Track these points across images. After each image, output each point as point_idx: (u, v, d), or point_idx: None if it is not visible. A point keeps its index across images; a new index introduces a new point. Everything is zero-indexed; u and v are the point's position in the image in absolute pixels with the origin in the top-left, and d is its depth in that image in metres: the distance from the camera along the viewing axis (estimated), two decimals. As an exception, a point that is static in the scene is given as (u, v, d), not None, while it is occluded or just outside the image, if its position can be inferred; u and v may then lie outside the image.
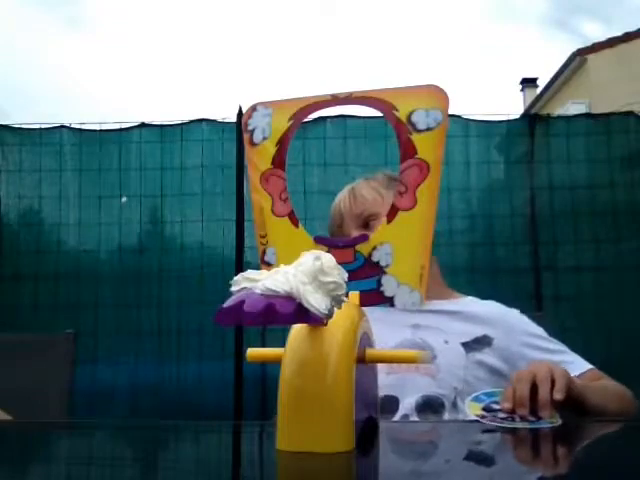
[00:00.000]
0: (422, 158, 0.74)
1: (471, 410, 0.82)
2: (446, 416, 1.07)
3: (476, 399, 0.87)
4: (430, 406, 1.09)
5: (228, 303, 0.57)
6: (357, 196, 1.28)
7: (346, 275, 0.60)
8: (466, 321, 1.23)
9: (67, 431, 0.97)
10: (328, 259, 0.59)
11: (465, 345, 1.18)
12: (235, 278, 0.60)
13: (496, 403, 0.84)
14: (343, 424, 0.61)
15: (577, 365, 1.17)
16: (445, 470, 0.62)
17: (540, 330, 1.27)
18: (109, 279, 3.16)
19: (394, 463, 0.64)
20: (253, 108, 0.83)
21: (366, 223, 1.25)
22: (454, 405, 1.09)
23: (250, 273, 0.60)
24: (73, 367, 1.48)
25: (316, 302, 0.56)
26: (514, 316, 1.28)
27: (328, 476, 0.58)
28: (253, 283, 0.58)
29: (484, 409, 0.82)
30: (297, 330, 0.65)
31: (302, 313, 0.56)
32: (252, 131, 0.83)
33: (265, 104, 0.83)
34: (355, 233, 1.20)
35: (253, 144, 0.82)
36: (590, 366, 1.19)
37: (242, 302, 0.56)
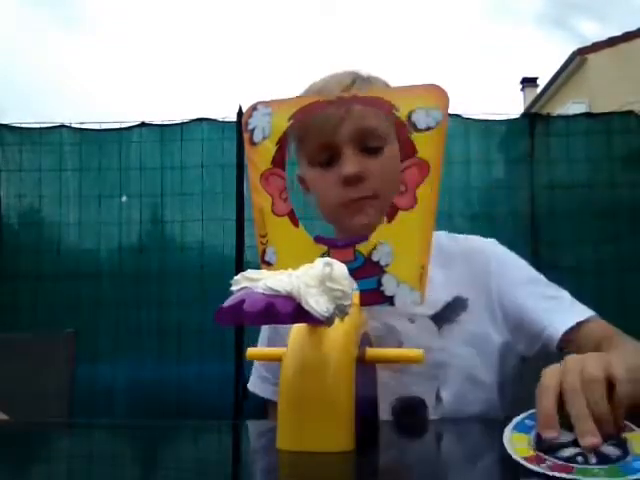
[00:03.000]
0: (422, 157, 0.74)
1: (515, 448, 0.54)
2: (432, 414, 0.91)
3: (520, 427, 0.58)
4: (409, 409, 0.92)
5: (228, 302, 0.57)
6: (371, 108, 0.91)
7: (355, 285, 0.60)
8: (432, 285, 0.89)
9: (67, 431, 0.97)
10: (339, 267, 0.59)
11: (435, 318, 0.95)
12: (235, 277, 0.60)
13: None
14: (343, 424, 0.61)
15: (575, 312, 0.93)
16: (446, 469, 0.62)
17: (530, 270, 1.05)
18: (109, 279, 3.16)
19: (394, 463, 0.64)
20: (253, 107, 0.83)
21: (370, 148, 0.93)
22: (438, 398, 0.92)
23: (250, 273, 0.60)
24: (73, 367, 1.48)
25: (316, 304, 0.56)
26: (493, 256, 1.02)
27: (328, 476, 0.58)
28: (253, 282, 0.58)
29: (537, 446, 0.54)
30: (298, 330, 0.66)
31: (302, 313, 0.56)
32: (252, 130, 0.83)
33: (265, 103, 0.83)
34: (350, 151, 0.91)
35: (253, 143, 0.82)
36: (592, 313, 0.94)
37: (242, 301, 0.56)
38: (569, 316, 0.92)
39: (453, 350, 0.93)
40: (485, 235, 1.09)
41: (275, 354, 0.67)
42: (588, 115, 3.46)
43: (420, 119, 0.75)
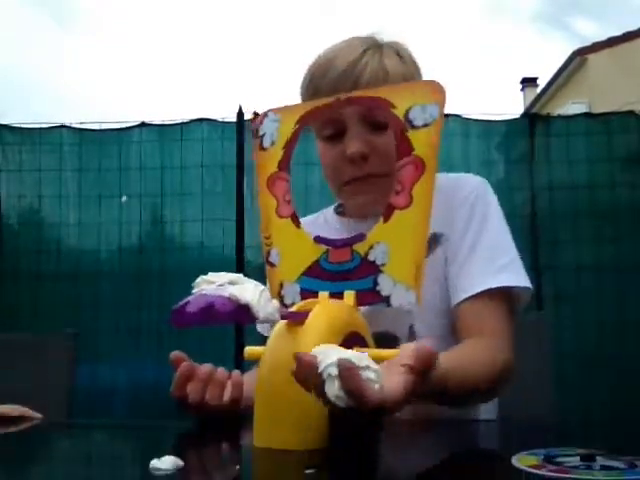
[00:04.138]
0: (418, 155, 0.74)
1: (520, 459, 0.54)
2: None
3: (532, 452, 0.58)
4: (382, 345, 0.89)
5: (177, 305, 0.61)
6: (380, 81, 0.90)
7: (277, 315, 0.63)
8: None
9: (67, 431, 0.97)
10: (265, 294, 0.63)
11: None
12: (197, 280, 0.63)
13: (563, 456, 0.55)
14: (316, 422, 0.62)
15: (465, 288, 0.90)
16: (418, 467, 0.62)
17: (492, 225, 0.97)
18: (109, 279, 3.16)
19: (369, 461, 0.64)
20: (265, 114, 0.86)
21: (376, 124, 0.91)
22: (411, 332, 0.92)
23: (210, 276, 0.63)
24: (73, 367, 1.48)
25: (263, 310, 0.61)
26: (469, 197, 0.97)
27: (293, 473, 0.58)
28: (210, 285, 0.61)
29: (545, 459, 0.55)
30: (277, 329, 0.67)
31: (241, 313, 0.59)
32: (262, 136, 0.85)
33: (275, 110, 0.85)
34: (355, 128, 0.91)
35: (263, 149, 0.84)
36: (487, 287, 0.89)
37: (187, 303, 0.60)
38: (466, 288, 0.90)
39: (425, 285, 0.88)
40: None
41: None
42: (588, 115, 3.46)
43: (417, 116, 0.75)
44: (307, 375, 0.55)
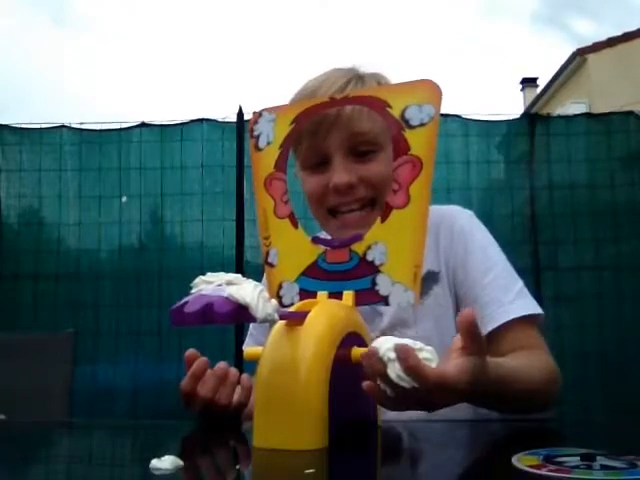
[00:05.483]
0: (415, 154, 0.74)
1: (521, 458, 0.55)
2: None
3: (532, 453, 0.58)
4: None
5: (175, 305, 0.60)
6: (364, 111, 0.90)
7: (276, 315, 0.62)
8: None
9: (67, 431, 0.97)
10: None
11: None
12: (195, 281, 0.62)
13: (563, 456, 0.55)
14: (315, 422, 0.62)
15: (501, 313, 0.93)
16: (413, 469, 0.62)
17: (490, 253, 1.00)
18: (109, 279, 3.16)
19: (369, 461, 0.64)
20: (259, 114, 0.85)
21: (361, 153, 0.94)
22: None
23: (208, 276, 0.63)
24: (73, 367, 1.48)
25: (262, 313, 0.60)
26: (458, 230, 1.01)
27: (293, 473, 0.58)
28: (208, 285, 0.61)
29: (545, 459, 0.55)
30: (277, 329, 0.67)
31: (240, 313, 0.59)
32: (258, 136, 0.85)
33: (270, 110, 0.85)
34: (340, 158, 0.92)
35: (258, 149, 0.84)
36: (524, 312, 0.94)
37: (186, 303, 0.59)
38: (497, 316, 0.93)
39: (421, 323, 0.97)
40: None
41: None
42: (588, 115, 3.46)
43: (413, 116, 0.75)
44: (372, 364, 0.60)
